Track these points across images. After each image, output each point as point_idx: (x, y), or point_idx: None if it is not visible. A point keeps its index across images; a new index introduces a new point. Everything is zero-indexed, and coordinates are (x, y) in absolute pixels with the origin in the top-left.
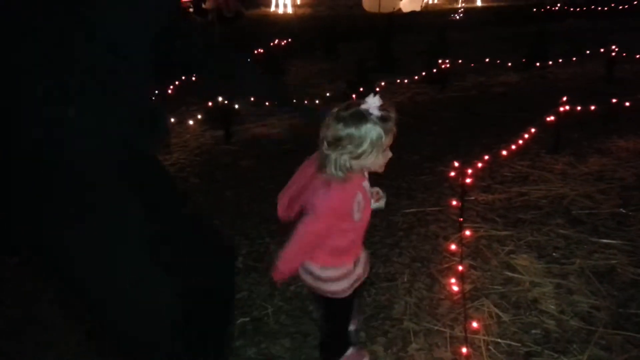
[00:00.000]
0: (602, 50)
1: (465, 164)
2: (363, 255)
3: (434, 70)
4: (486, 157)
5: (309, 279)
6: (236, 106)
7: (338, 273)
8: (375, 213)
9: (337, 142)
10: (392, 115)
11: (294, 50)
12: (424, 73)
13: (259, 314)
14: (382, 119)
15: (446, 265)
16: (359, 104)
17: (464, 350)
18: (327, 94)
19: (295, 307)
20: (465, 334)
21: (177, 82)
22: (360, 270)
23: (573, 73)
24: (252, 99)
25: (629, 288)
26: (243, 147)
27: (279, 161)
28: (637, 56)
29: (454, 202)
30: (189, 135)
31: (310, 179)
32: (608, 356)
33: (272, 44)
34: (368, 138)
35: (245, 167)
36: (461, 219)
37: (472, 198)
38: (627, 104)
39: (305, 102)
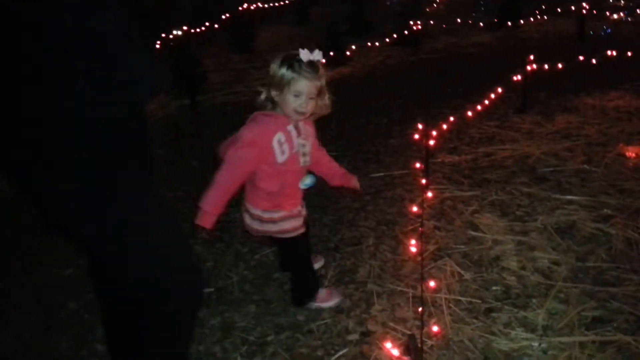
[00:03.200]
0: (573, 8)
1: (429, 126)
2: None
3: (406, 33)
4: (451, 119)
5: (256, 225)
6: (203, 75)
7: (280, 214)
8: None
9: (268, 77)
10: (313, 68)
11: (263, 15)
12: (395, 35)
13: (223, 284)
14: (299, 66)
15: (411, 227)
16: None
17: (420, 309)
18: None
19: (259, 275)
20: (422, 292)
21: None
22: (305, 212)
23: (545, 31)
24: (219, 67)
25: (588, 242)
26: (209, 116)
27: None
28: (607, 13)
29: (419, 165)
30: (155, 105)
31: None
32: (565, 308)
33: (240, 8)
34: (279, 74)
35: (210, 136)
36: (424, 181)
37: (439, 160)
38: (594, 61)
39: None
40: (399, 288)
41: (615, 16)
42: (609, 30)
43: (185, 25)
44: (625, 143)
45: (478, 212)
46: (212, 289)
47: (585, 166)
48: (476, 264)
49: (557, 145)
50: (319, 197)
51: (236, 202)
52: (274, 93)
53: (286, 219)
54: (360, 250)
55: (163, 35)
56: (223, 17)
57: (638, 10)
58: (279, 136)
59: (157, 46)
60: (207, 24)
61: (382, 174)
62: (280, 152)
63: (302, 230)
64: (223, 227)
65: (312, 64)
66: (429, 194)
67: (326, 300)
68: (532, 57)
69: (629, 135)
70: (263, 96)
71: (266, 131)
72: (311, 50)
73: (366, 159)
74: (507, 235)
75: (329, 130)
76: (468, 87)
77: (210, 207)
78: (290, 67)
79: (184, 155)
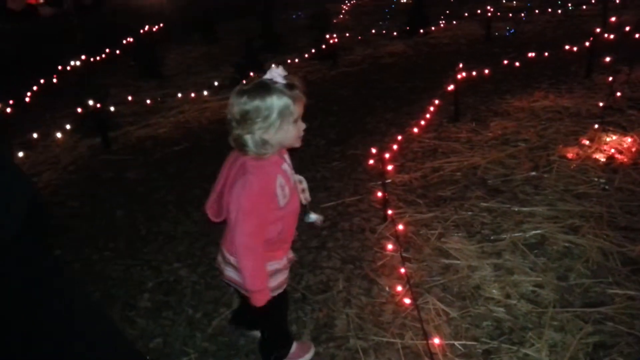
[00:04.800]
0: (479, 11)
1: (382, 149)
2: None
3: (323, 47)
4: (399, 137)
5: (228, 271)
6: (112, 108)
7: (272, 269)
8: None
9: (244, 118)
10: (297, 83)
11: (168, 36)
12: (313, 50)
13: None
14: (288, 87)
15: (380, 263)
16: (260, 77)
17: None
18: (215, 83)
19: (221, 345)
20: (429, 349)
21: (34, 87)
22: (292, 254)
23: (454, 36)
24: (129, 97)
25: (563, 257)
26: (127, 155)
27: (172, 165)
28: (510, 15)
29: (378, 193)
30: (59, 149)
31: (229, 173)
32: (563, 338)
33: (142, 31)
34: (275, 108)
35: (133, 179)
36: (391, 213)
37: (389, 181)
38: (517, 64)
39: (192, 95)
40: (385, 339)
41: (513, 16)
42: (513, 30)
43: (83, 55)
44: (564, 144)
45: (444, 235)
46: None
47: (534, 173)
48: (459, 297)
49: (500, 153)
50: None
51: (178, 257)
52: (268, 135)
53: (273, 275)
54: (331, 298)
55: (59, 67)
56: (124, 41)
57: (536, 11)
58: (280, 180)
59: (54, 80)
60: (107, 50)
61: (333, 202)
62: (283, 196)
63: (285, 286)
64: (167, 290)
65: (291, 81)
66: (392, 219)
67: (299, 356)
68: (461, 66)
69: (564, 135)
70: (251, 143)
71: (267, 181)
72: (275, 68)
73: (314, 187)
74: (481, 260)
75: None
76: (396, 99)
77: (263, 284)
78: (284, 94)
79: (105, 205)
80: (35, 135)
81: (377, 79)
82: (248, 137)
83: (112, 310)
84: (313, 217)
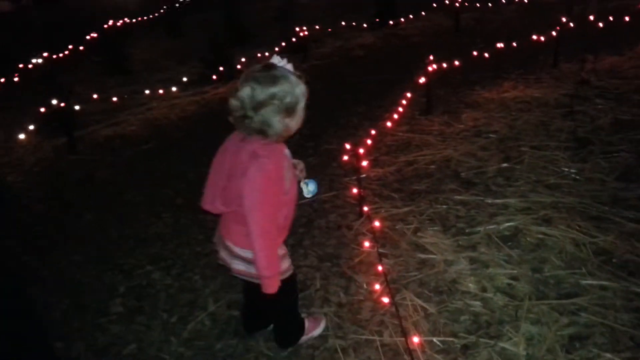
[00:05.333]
0: (447, 2)
1: (356, 145)
2: None
3: (293, 40)
4: (373, 132)
5: (241, 266)
6: (77, 107)
7: (280, 254)
8: None
9: (263, 103)
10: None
11: (131, 30)
12: (283, 43)
13: None
14: (299, 77)
15: (357, 260)
16: (272, 65)
17: None
18: (184, 79)
19: (198, 350)
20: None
21: None
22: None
23: (422, 27)
24: (94, 95)
25: (536, 249)
26: (94, 155)
27: (142, 165)
28: (477, 5)
29: (353, 190)
30: (23, 150)
31: (232, 162)
32: (540, 330)
33: (106, 26)
34: (299, 93)
35: (101, 181)
36: (366, 210)
37: (364, 175)
38: (487, 55)
39: (160, 91)
40: (364, 337)
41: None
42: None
43: (45, 52)
44: (532, 136)
45: (419, 229)
46: None
47: (506, 164)
48: (435, 292)
49: (472, 145)
50: None
51: (150, 260)
52: (290, 119)
53: (283, 258)
54: (309, 297)
55: (20, 65)
56: (88, 37)
57: (503, 0)
58: (286, 164)
59: (15, 79)
60: (70, 47)
61: (308, 199)
62: (288, 180)
63: (291, 271)
64: (139, 294)
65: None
66: (366, 211)
67: (313, 329)
68: (431, 58)
69: (534, 126)
70: (278, 127)
71: (278, 164)
72: (280, 59)
73: None
74: (457, 253)
75: None
76: (368, 92)
77: (277, 269)
78: (301, 81)
79: (73, 208)
80: None
81: (348, 72)
82: (275, 121)
83: (84, 317)
84: (312, 187)
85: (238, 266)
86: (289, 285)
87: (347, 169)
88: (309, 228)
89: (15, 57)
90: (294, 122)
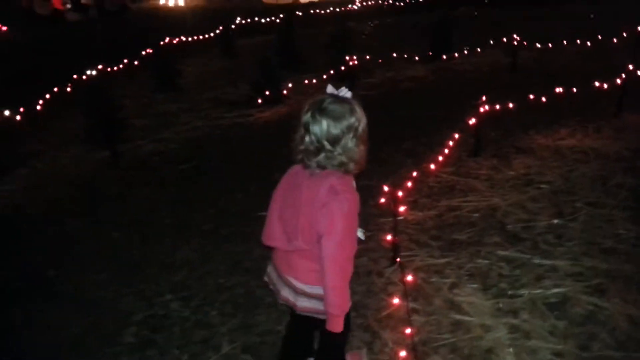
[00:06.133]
0: (504, 39)
1: (395, 186)
2: None
3: (342, 68)
4: (415, 173)
5: (319, 306)
6: (124, 120)
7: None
8: None
9: (341, 136)
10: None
11: (187, 48)
12: (332, 71)
13: None
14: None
15: (385, 313)
16: (337, 95)
17: None
18: (231, 99)
19: None
20: None
21: (47, 95)
22: None
23: (477, 63)
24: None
25: (586, 322)
26: (133, 171)
27: (176, 187)
28: (537, 45)
29: (388, 236)
30: (68, 160)
31: (307, 198)
32: None
33: (162, 43)
34: (363, 123)
35: (135, 198)
36: (400, 260)
37: (401, 218)
38: (544, 99)
39: (206, 111)
40: None
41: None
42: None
43: (101, 64)
44: (591, 190)
45: (457, 286)
46: None
47: (557, 221)
48: None
49: (522, 195)
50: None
51: (172, 288)
52: (359, 149)
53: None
54: None
55: (75, 76)
56: (144, 52)
57: (564, 42)
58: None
59: (69, 89)
60: (125, 60)
61: None
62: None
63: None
64: (154, 325)
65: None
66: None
67: None
68: (484, 98)
69: (591, 180)
70: (350, 160)
71: (356, 199)
72: (330, 86)
73: None
74: (495, 318)
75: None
76: (415, 128)
77: (347, 308)
78: (361, 110)
79: (104, 225)
80: (43, 146)
81: (395, 105)
82: (355, 152)
83: (95, 343)
84: (360, 234)
85: (303, 303)
86: (347, 321)
87: (384, 209)
88: None
89: (73, 68)
90: (362, 152)
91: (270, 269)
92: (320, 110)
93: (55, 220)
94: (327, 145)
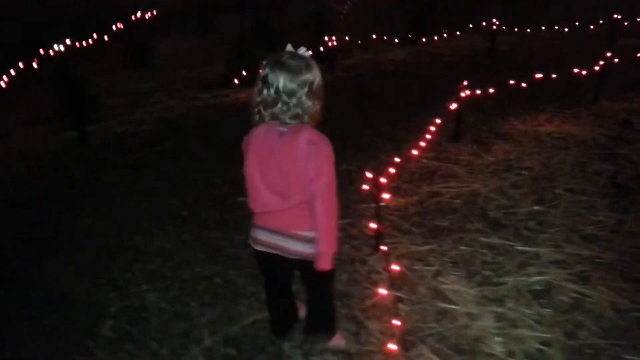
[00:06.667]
0: (484, 23)
1: (378, 173)
2: None
3: (321, 49)
4: (397, 159)
5: (308, 249)
6: (93, 99)
7: None
8: None
9: (296, 90)
10: None
11: (160, 24)
12: (311, 52)
13: None
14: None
15: (370, 302)
16: (295, 52)
17: None
18: (206, 78)
19: None
20: None
21: (12, 72)
22: None
23: (456, 47)
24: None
25: (571, 310)
26: (104, 152)
27: (151, 169)
28: (516, 29)
29: (370, 221)
30: (35, 140)
31: (286, 155)
32: None
33: (134, 17)
34: (319, 77)
35: (107, 181)
36: (385, 248)
37: (382, 204)
38: (524, 85)
39: (181, 89)
40: None
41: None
42: None
43: (68, 38)
44: (568, 177)
45: (441, 273)
46: None
47: (538, 207)
48: (456, 351)
49: (502, 182)
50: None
51: (147, 277)
52: (317, 103)
53: None
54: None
55: (41, 51)
56: (114, 27)
57: (542, 27)
58: None
59: (35, 65)
60: (94, 35)
61: None
62: None
63: None
64: (131, 317)
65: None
66: (384, 249)
67: (339, 341)
68: (465, 83)
69: (570, 167)
70: (315, 111)
71: (329, 142)
72: (289, 45)
73: None
74: (481, 306)
75: None
76: (394, 112)
77: (336, 246)
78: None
79: (75, 210)
80: (8, 124)
81: (375, 88)
82: (310, 105)
83: (69, 337)
84: None
85: (295, 247)
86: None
87: (365, 195)
88: None
89: (39, 43)
90: (320, 106)
91: (263, 235)
92: (278, 64)
93: (23, 204)
94: (284, 97)
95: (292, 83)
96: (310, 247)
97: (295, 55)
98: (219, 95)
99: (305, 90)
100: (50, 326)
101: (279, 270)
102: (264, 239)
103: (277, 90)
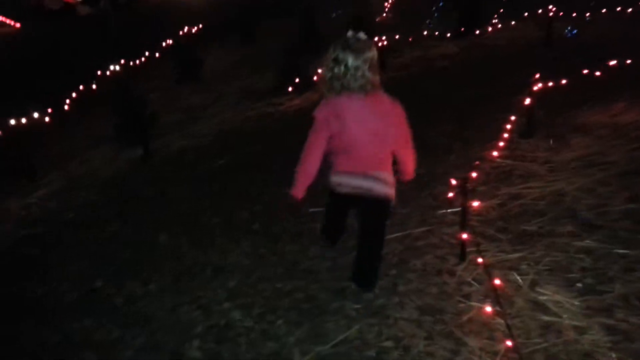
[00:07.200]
0: (540, 11)
1: (463, 180)
2: None
3: None
4: (477, 162)
5: (379, 187)
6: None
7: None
8: None
9: (360, 65)
10: None
11: (206, 37)
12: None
13: None
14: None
15: (466, 317)
16: (357, 36)
17: None
18: (258, 88)
19: None
20: None
21: (73, 94)
22: None
23: (510, 37)
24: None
25: None
26: (167, 169)
27: (217, 182)
28: (574, 14)
29: (454, 227)
30: (100, 160)
31: (379, 116)
32: None
33: (181, 32)
34: (376, 54)
35: (175, 198)
36: (481, 261)
37: (459, 209)
38: (598, 73)
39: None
40: None
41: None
42: (575, 32)
43: (120, 58)
44: None
45: (537, 283)
46: None
47: (633, 205)
48: None
49: (588, 178)
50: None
51: (228, 294)
52: (373, 73)
53: None
54: None
55: (98, 72)
56: (164, 44)
57: (603, 10)
58: None
59: (93, 86)
60: (147, 53)
61: (398, 234)
62: None
63: None
64: (218, 336)
65: None
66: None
67: None
68: (537, 76)
69: None
70: (376, 81)
71: None
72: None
73: None
74: (588, 318)
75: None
76: (455, 109)
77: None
78: None
79: (146, 228)
80: (73, 147)
81: (430, 86)
82: (372, 76)
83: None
84: None
85: (380, 188)
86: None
87: (441, 201)
88: (402, 270)
89: (92, 63)
90: (378, 77)
91: (346, 179)
92: (346, 46)
93: (96, 226)
94: (352, 71)
95: (358, 60)
96: (388, 188)
97: (357, 39)
98: (274, 104)
99: (367, 65)
100: (137, 349)
101: (352, 205)
102: (351, 182)
103: (346, 66)
